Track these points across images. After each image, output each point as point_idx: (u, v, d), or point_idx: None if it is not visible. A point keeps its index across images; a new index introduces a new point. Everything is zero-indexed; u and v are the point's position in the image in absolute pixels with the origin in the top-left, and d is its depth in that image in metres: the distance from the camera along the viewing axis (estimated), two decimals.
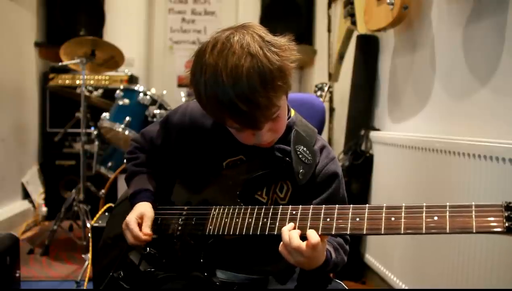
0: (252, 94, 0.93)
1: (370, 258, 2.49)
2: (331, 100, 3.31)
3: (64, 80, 3.84)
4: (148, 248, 1.13)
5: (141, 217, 1.12)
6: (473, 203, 0.79)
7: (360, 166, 2.52)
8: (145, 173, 1.22)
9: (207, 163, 1.16)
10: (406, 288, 2.04)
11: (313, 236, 0.90)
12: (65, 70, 3.76)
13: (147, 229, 1.10)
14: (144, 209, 1.14)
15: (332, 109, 3.32)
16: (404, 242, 2.09)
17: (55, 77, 3.84)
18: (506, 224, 0.74)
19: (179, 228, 1.11)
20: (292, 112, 1.16)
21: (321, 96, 2.67)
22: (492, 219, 0.76)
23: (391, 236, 2.23)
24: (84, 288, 2.27)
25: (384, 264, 2.31)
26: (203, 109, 1.04)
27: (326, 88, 2.69)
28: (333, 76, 3.13)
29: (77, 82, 3.70)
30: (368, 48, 2.71)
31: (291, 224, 0.94)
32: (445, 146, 1.75)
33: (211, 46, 0.97)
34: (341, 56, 2.97)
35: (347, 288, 1.11)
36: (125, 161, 1.30)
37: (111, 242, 1.27)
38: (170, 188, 1.22)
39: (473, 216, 0.77)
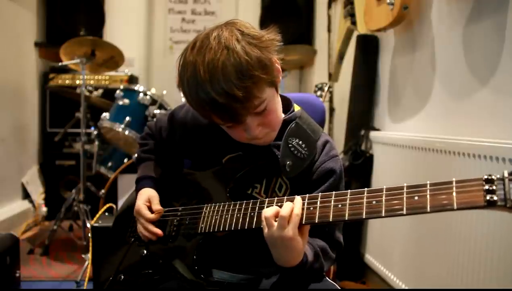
0: (228, 86, 0.93)
1: (370, 258, 2.49)
2: (331, 100, 3.31)
3: (64, 80, 3.84)
4: (145, 250, 1.14)
5: (148, 200, 1.17)
6: (454, 179, 0.76)
7: (360, 166, 2.52)
8: (152, 160, 1.27)
9: (207, 159, 1.17)
10: (406, 288, 2.04)
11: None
12: (65, 70, 3.76)
13: (157, 206, 1.16)
14: (148, 192, 1.19)
15: (332, 109, 3.32)
16: (404, 242, 2.09)
17: (55, 77, 3.84)
18: (487, 198, 0.72)
19: (174, 228, 1.13)
20: (297, 107, 1.16)
21: (321, 96, 2.68)
22: (472, 194, 0.73)
23: (391, 235, 2.23)
24: (84, 288, 2.27)
25: (384, 264, 2.31)
26: (192, 108, 1.06)
27: (326, 88, 2.69)
28: (333, 76, 3.12)
29: (77, 82, 3.71)
30: (368, 48, 2.71)
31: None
32: (445, 145, 1.75)
33: (191, 46, 0.99)
34: (341, 56, 2.97)
35: (339, 288, 1.10)
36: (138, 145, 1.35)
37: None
38: (176, 174, 1.25)
39: (454, 192, 0.75)
